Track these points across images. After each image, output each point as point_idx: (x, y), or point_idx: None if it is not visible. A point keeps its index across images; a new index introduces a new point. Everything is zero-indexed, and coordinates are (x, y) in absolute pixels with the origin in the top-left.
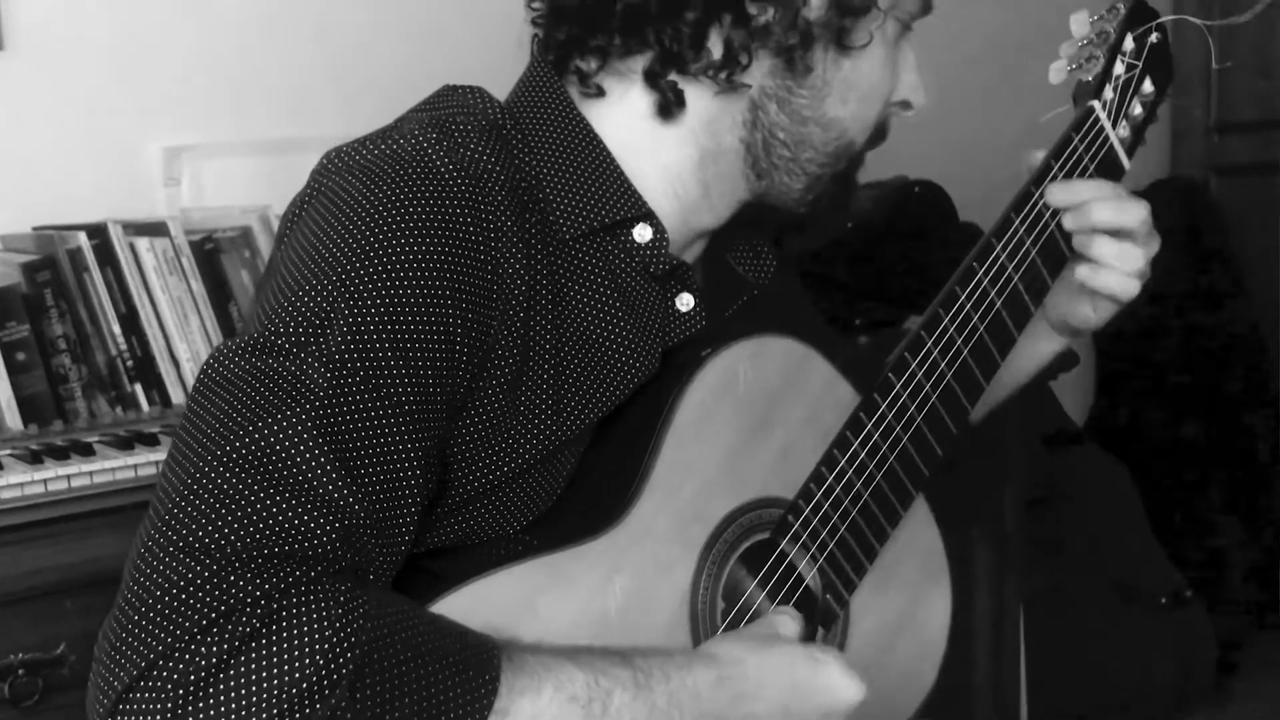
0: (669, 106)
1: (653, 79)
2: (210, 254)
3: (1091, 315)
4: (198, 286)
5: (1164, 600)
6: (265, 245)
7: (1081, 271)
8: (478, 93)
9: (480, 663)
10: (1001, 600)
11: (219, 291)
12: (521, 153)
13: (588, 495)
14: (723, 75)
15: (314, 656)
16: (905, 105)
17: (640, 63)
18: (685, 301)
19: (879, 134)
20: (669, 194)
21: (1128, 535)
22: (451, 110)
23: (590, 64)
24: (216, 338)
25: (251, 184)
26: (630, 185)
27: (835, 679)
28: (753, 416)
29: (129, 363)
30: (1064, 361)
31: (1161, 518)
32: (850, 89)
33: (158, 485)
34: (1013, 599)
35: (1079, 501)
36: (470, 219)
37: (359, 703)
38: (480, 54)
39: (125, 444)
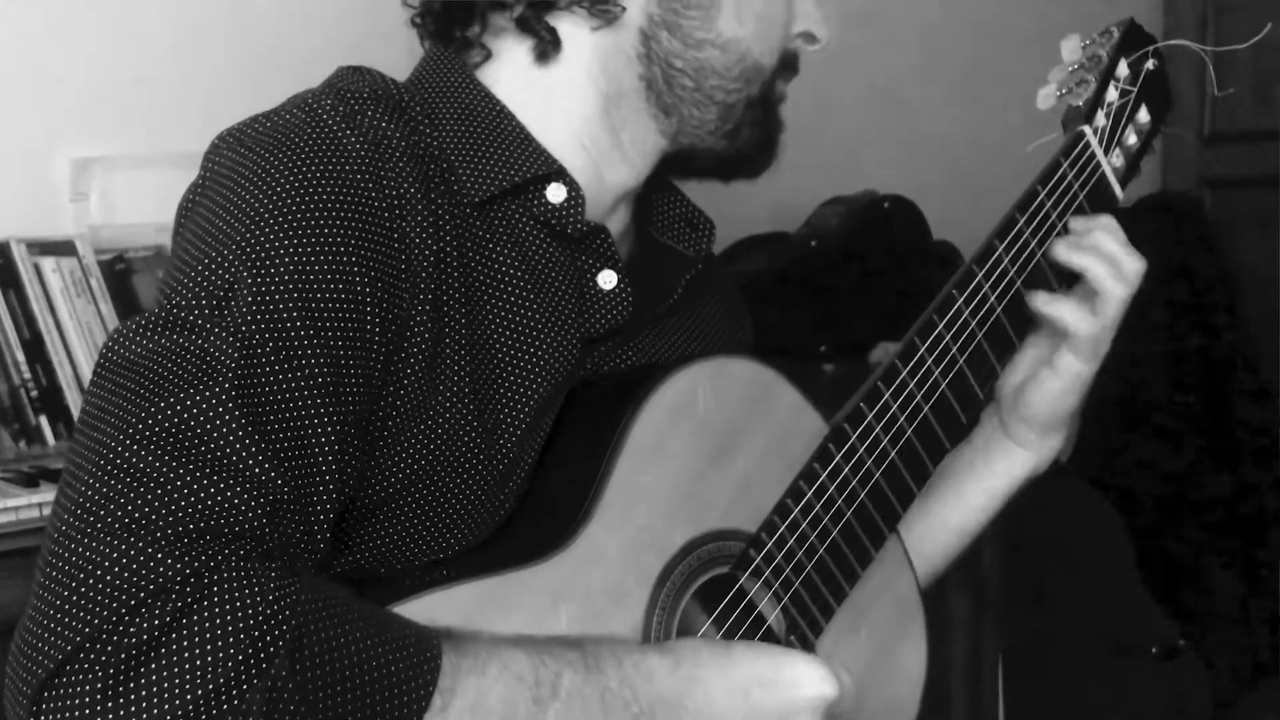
0: (545, 49)
1: (525, 24)
2: (121, 275)
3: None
4: (108, 310)
5: (1155, 651)
6: None
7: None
8: (377, 73)
9: (421, 641)
10: (979, 650)
11: (131, 314)
12: (422, 124)
13: (530, 518)
14: (592, 4)
15: (250, 628)
16: (810, 38)
17: (514, 13)
18: (607, 279)
19: (788, 64)
20: (577, 146)
21: (1116, 579)
22: (347, 83)
23: (472, 29)
24: None
25: (166, 200)
26: (535, 142)
27: (801, 671)
28: (713, 442)
29: (33, 393)
30: None
31: (1153, 560)
32: (743, 6)
33: (63, 475)
34: (990, 649)
35: (1063, 543)
36: (373, 186)
37: (299, 674)
38: (411, 60)
39: (29, 481)
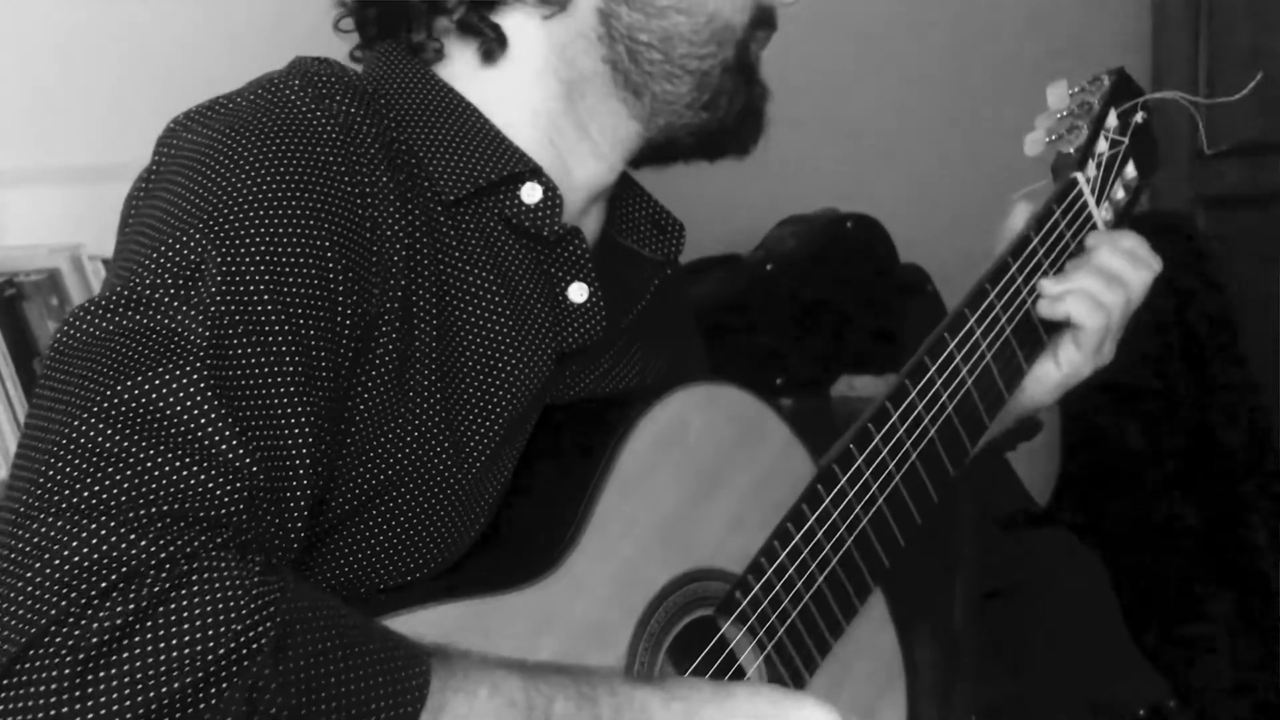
0: (491, 48)
1: (467, 26)
2: (11, 301)
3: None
4: None
5: (1143, 714)
6: (76, 290)
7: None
8: (338, 63)
9: (411, 655)
10: (950, 713)
11: (21, 345)
12: (389, 120)
13: (512, 540)
14: None
15: (232, 620)
16: None
17: (455, 15)
18: (578, 292)
19: (764, 18)
20: (545, 143)
21: (1100, 634)
22: (312, 69)
23: (418, 33)
24: (19, 399)
25: (60, 219)
26: (507, 140)
27: (809, 712)
28: (701, 473)
29: None
30: (1025, 430)
31: (1139, 614)
32: None
33: (14, 463)
34: (963, 711)
35: (1042, 595)
36: (344, 170)
37: (282, 676)
38: None
39: None
